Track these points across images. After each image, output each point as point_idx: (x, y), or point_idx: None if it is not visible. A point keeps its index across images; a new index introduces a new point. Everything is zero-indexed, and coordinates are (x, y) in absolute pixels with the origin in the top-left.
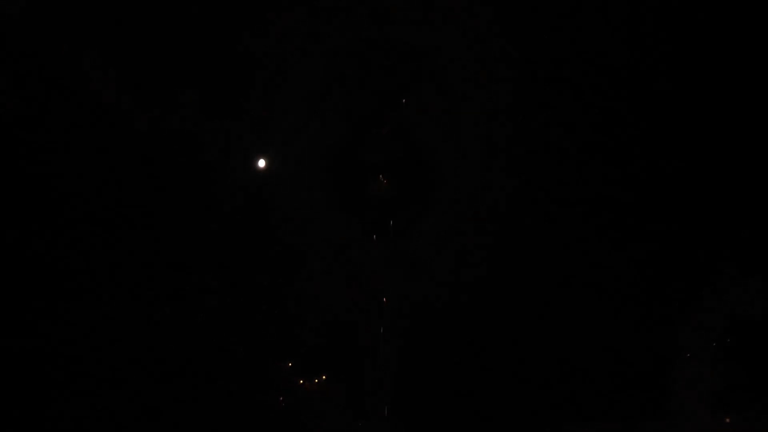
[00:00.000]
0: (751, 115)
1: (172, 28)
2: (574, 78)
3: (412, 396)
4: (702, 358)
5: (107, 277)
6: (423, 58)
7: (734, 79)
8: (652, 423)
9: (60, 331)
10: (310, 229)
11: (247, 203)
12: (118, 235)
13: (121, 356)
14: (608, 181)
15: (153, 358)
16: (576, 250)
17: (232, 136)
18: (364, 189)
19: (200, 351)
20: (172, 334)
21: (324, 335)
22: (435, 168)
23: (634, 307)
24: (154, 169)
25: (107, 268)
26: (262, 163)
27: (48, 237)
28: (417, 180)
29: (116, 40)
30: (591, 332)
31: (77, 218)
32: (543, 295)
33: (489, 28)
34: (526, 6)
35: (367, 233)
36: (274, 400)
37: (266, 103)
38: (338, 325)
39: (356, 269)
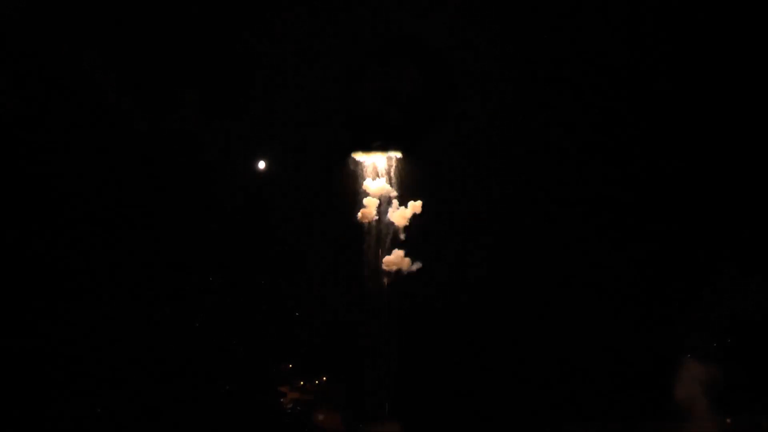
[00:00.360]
0: (751, 115)
1: (172, 29)
2: (574, 78)
3: (412, 396)
4: (702, 359)
5: (107, 277)
6: (423, 58)
7: (734, 79)
8: (652, 423)
9: (60, 331)
10: (310, 229)
11: (247, 203)
12: (118, 235)
13: (121, 356)
14: (608, 181)
15: (153, 358)
16: (576, 250)
17: (232, 137)
18: (365, 188)
19: (200, 351)
20: (172, 334)
21: (324, 336)
22: (435, 168)
23: (634, 307)
24: (154, 169)
25: (107, 268)
26: (262, 164)
27: (48, 237)
28: (417, 180)
29: (116, 40)
30: (591, 332)
31: (77, 218)
32: (543, 295)
33: (489, 28)
34: (526, 6)
35: (368, 233)
36: (274, 400)
37: (266, 103)
38: (338, 325)
39: (356, 269)
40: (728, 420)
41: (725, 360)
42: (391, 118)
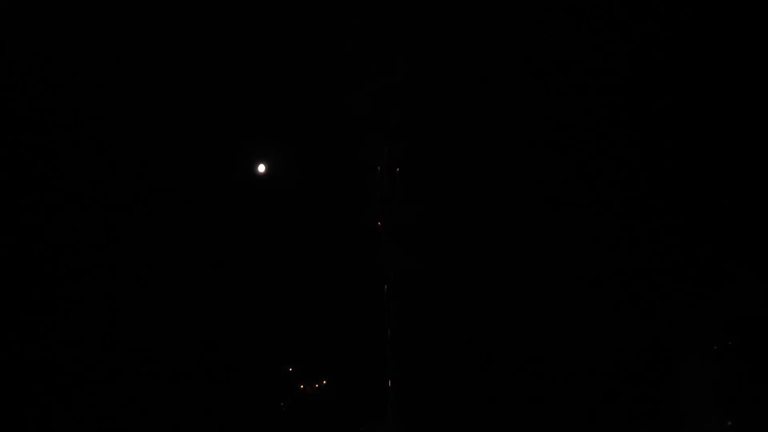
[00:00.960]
0: (754, 112)
1: (170, 29)
2: (574, 78)
3: (413, 398)
4: (703, 360)
5: (107, 278)
6: (422, 57)
7: (735, 78)
8: (653, 424)
9: (59, 332)
10: (309, 230)
11: (246, 204)
12: (118, 237)
13: (119, 358)
14: (608, 180)
15: (153, 360)
16: (576, 250)
17: (231, 138)
18: (365, 188)
19: (200, 354)
20: (170, 336)
21: (325, 338)
22: (435, 168)
23: (635, 307)
24: (153, 170)
25: (107, 270)
26: (261, 168)
27: (47, 238)
28: (417, 180)
29: (116, 40)
30: (591, 332)
31: (77, 219)
32: (543, 295)
33: (489, 27)
34: (527, 6)
35: (368, 233)
36: (273, 403)
37: (264, 105)
38: (339, 327)
39: (357, 270)
40: (729, 423)
41: (726, 361)
42: (390, 118)
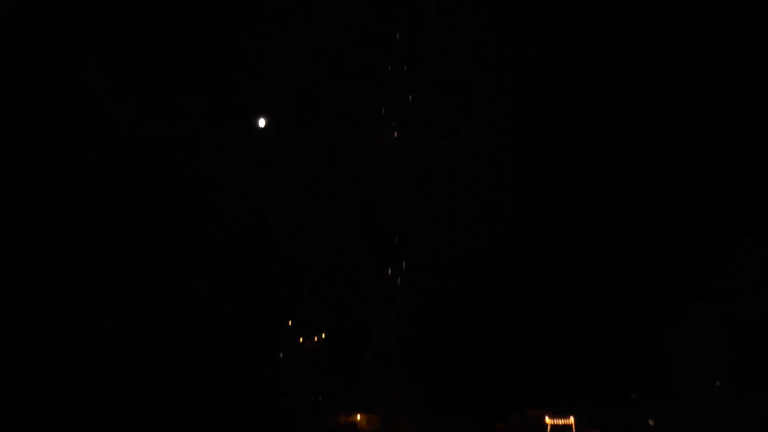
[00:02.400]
0: (753, 113)
1: (167, 34)
2: (574, 78)
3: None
4: (703, 361)
5: (108, 283)
6: (422, 58)
7: (735, 80)
8: (652, 422)
9: (63, 337)
10: (309, 233)
11: (246, 210)
12: (119, 241)
13: (122, 363)
14: (609, 182)
15: (154, 363)
16: (576, 250)
17: (230, 143)
18: (362, 192)
19: (200, 357)
20: (172, 340)
21: (324, 340)
22: (434, 167)
23: (635, 307)
24: (153, 175)
25: (108, 275)
26: (262, 122)
27: (48, 242)
28: (416, 179)
29: (114, 46)
30: (591, 331)
31: (77, 223)
32: (543, 295)
33: (489, 29)
34: (527, 6)
35: (367, 234)
36: (272, 405)
37: (263, 110)
38: (338, 329)
39: (356, 272)
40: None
41: (727, 362)
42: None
